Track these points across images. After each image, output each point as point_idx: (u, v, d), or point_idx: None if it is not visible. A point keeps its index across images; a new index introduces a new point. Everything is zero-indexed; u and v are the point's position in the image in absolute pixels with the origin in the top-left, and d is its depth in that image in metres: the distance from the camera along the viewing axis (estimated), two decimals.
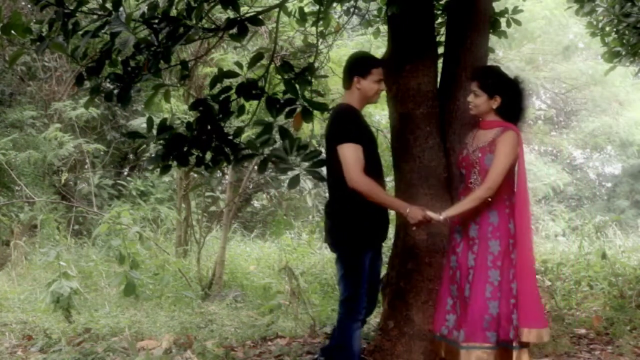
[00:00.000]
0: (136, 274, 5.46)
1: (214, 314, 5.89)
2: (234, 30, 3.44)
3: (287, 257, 7.60)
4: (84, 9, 3.34)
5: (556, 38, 15.50)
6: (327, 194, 3.56)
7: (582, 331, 4.83)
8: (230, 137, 3.66)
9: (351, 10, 5.26)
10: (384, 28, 5.57)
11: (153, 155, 3.73)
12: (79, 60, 3.32)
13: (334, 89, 7.20)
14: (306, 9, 5.03)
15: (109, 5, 3.27)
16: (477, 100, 3.29)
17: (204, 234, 7.70)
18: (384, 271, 3.79)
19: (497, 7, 4.52)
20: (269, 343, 4.80)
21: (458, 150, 3.50)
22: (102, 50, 3.38)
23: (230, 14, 3.64)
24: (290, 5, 5.33)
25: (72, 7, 3.27)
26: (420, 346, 3.58)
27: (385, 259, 3.71)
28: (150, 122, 3.56)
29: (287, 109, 3.65)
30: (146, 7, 3.38)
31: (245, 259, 8.48)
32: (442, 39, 4.02)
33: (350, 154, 3.21)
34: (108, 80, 3.48)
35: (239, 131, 3.73)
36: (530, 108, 14.86)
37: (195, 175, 7.35)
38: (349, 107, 3.37)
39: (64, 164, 10.19)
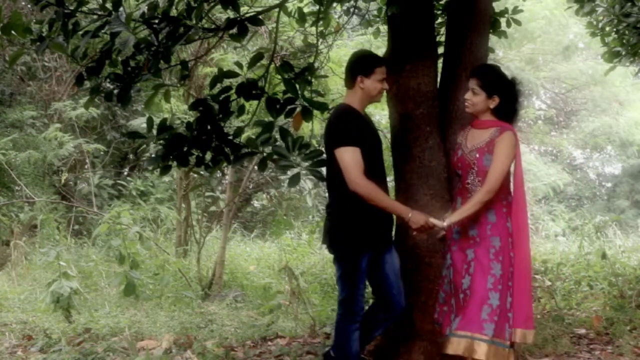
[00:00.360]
0: (136, 274, 5.46)
1: (214, 314, 5.90)
2: (234, 30, 3.44)
3: (287, 257, 7.61)
4: (84, 9, 3.34)
5: (556, 38, 15.50)
6: (327, 194, 3.55)
7: (582, 331, 4.83)
8: (230, 137, 3.66)
9: (351, 10, 5.26)
10: (384, 28, 5.57)
11: (153, 155, 3.73)
12: (79, 60, 3.32)
13: (334, 89, 7.21)
14: (306, 9, 5.03)
15: (109, 5, 3.27)
16: (475, 99, 3.24)
17: (204, 234, 7.70)
18: None
19: (497, 7, 4.52)
20: (269, 343, 4.80)
21: (452, 151, 3.47)
22: (102, 50, 3.38)
23: (230, 14, 3.64)
24: (290, 5, 5.33)
25: (72, 7, 3.27)
26: (420, 346, 3.58)
27: None
28: (150, 122, 3.56)
29: (287, 109, 3.65)
30: (146, 7, 3.39)
31: (245, 259, 8.48)
32: (442, 39, 4.02)
33: (349, 157, 3.19)
34: (108, 80, 3.48)
35: (239, 131, 3.73)
36: (526, 108, 14.94)
37: (195, 175, 7.35)
38: (347, 108, 3.34)
39: (64, 164, 10.19)
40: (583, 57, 17.14)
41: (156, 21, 3.31)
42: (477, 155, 3.22)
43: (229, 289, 6.94)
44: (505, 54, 14.98)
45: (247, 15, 3.49)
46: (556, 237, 11.93)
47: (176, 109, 7.76)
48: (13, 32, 3.22)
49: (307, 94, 3.73)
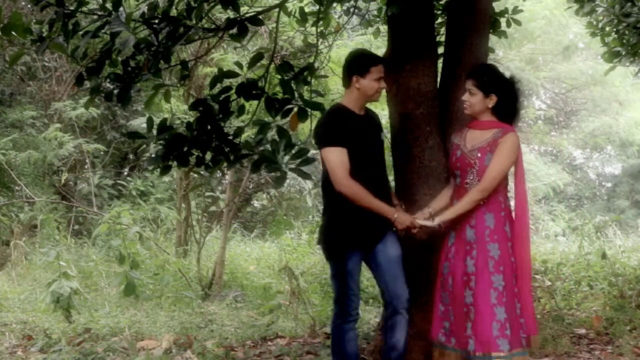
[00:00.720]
0: (136, 274, 5.46)
1: (214, 314, 5.90)
2: (234, 30, 3.43)
3: (287, 257, 7.60)
4: (84, 9, 3.34)
5: (556, 38, 15.50)
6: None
7: (582, 331, 4.83)
8: (230, 137, 3.66)
9: (351, 10, 5.26)
10: (384, 28, 5.57)
11: (153, 155, 3.72)
12: (79, 60, 3.31)
13: (334, 89, 7.21)
14: (306, 9, 5.03)
15: (109, 5, 3.27)
16: (473, 99, 3.22)
17: (204, 234, 7.70)
18: None
19: (497, 7, 4.51)
20: (269, 343, 4.80)
21: (450, 152, 3.40)
22: (102, 50, 3.38)
23: (230, 14, 3.63)
24: (290, 5, 5.33)
25: (72, 8, 3.27)
26: (420, 346, 3.58)
27: None
28: (150, 122, 3.56)
29: (284, 109, 3.65)
30: (146, 7, 3.38)
31: (245, 259, 8.48)
32: (442, 39, 4.02)
33: (333, 158, 3.19)
34: (108, 80, 3.48)
35: (239, 131, 3.72)
36: (526, 108, 14.94)
37: (195, 175, 7.34)
38: (336, 109, 3.35)
39: (64, 164, 10.19)
40: (583, 57, 17.14)
41: (156, 21, 3.31)
42: (479, 155, 3.18)
43: (229, 289, 6.94)
44: (505, 54, 14.98)
45: (247, 15, 3.49)
46: (556, 237, 11.93)
47: (176, 109, 7.76)
48: (13, 32, 3.21)
49: (306, 94, 3.73)
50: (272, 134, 3.89)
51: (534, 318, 3.22)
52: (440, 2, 4.50)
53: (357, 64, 3.31)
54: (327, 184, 3.29)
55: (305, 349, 4.49)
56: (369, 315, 5.45)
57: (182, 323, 5.45)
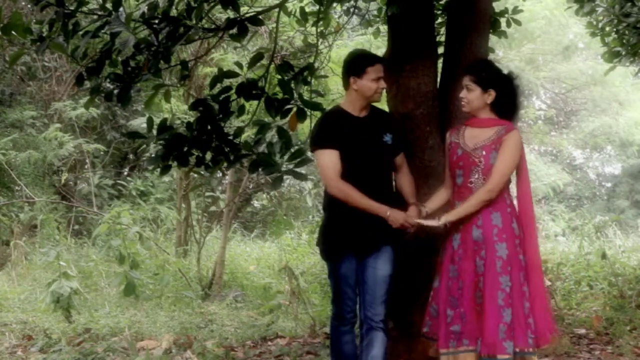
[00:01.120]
0: (136, 274, 5.47)
1: (214, 314, 5.90)
2: (234, 30, 3.43)
3: (287, 257, 7.61)
4: (84, 9, 3.34)
5: (556, 38, 15.49)
6: None
7: (582, 331, 4.83)
8: (230, 137, 3.66)
9: (351, 10, 5.26)
10: (384, 28, 5.57)
11: (153, 155, 3.73)
12: (79, 60, 3.31)
13: (334, 89, 7.21)
14: (306, 9, 5.03)
15: (109, 5, 3.27)
16: (471, 95, 3.12)
17: (204, 234, 7.71)
18: None
19: (497, 7, 4.51)
20: (269, 343, 4.81)
21: (449, 151, 3.27)
22: (102, 50, 3.38)
23: (230, 14, 3.63)
24: (290, 5, 5.34)
25: (72, 8, 3.27)
26: (421, 346, 3.58)
27: None
28: (150, 122, 3.56)
29: (283, 109, 3.64)
30: (146, 7, 3.38)
31: (245, 259, 8.48)
32: (442, 39, 4.02)
33: (324, 160, 3.18)
34: (108, 80, 3.48)
35: (239, 131, 3.72)
36: (526, 108, 14.94)
37: (195, 175, 7.35)
38: (332, 111, 3.34)
39: (64, 164, 10.19)
40: (583, 57, 17.14)
41: (156, 21, 3.31)
42: (484, 153, 3.09)
43: (229, 289, 6.94)
44: (505, 54, 14.97)
45: (247, 15, 3.49)
46: (556, 237, 11.92)
47: (176, 109, 7.76)
48: (13, 32, 3.21)
49: (305, 94, 3.73)
50: (271, 134, 3.90)
51: (549, 318, 3.13)
52: (440, 2, 4.50)
53: (354, 64, 3.26)
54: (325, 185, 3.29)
55: (305, 349, 4.49)
56: None
57: (182, 323, 5.45)
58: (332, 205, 3.26)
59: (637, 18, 5.64)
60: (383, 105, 3.65)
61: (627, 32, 5.89)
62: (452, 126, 3.47)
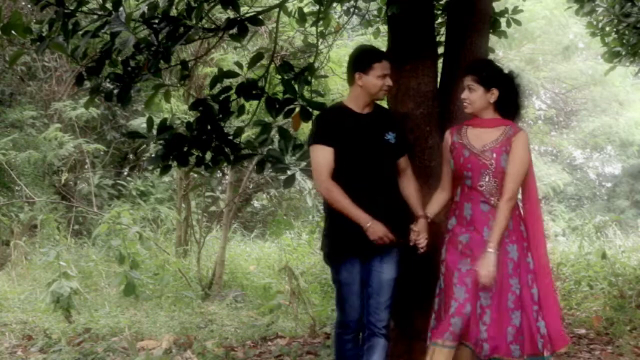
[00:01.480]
0: (136, 274, 5.47)
1: (214, 314, 5.90)
2: (234, 30, 3.44)
3: (287, 257, 7.61)
4: (84, 9, 3.35)
5: (556, 38, 15.51)
6: None
7: (582, 331, 4.83)
8: (230, 137, 3.66)
9: (351, 10, 5.26)
10: (384, 28, 5.58)
11: (153, 155, 3.73)
12: (79, 60, 3.31)
13: (334, 89, 7.21)
14: (306, 9, 5.04)
15: (109, 5, 3.27)
16: (473, 95, 3.04)
17: (204, 234, 7.71)
18: None
19: (497, 7, 4.51)
20: (269, 343, 4.81)
21: (454, 152, 3.14)
22: (102, 50, 3.39)
23: (230, 14, 3.64)
24: (290, 5, 5.34)
25: (72, 7, 3.27)
26: (421, 346, 3.58)
27: None
28: (150, 122, 3.56)
29: (285, 109, 3.65)
30: (146, 7, 3.38)
31: (245, 259, 8.48)
32: (442, 39, 4.02)
33: (317, 157, 3.10)
34: (108, 80, 3.48)
35: (239, 131, 3.73)
36: (526, 108, 14.91)
37: (195, 175, 7.35)
38: (332, 107, 3.29)
39: (64, 164, 10.19)
40: (583, 57, 17.15)
41: (156, 21, 3.31)
42: (494, 156, 3.00)
43: (229, 289, 6.95)
44: (505, 54, 14.98)
45: (247, 15, 3.49)
46: (556, 237, 11.91)
47: (176, 109, 7.76)
48: (13, 32, 3.22)
49: (306, 94, 3.73)
50: (272, 134, 3.90)
51: (559, 322, 3.07)
52: (440, 2, 4.50)
53: (360, 59, 3.15)
54: None
55: (305, 349, 4.49)
56: None
57: (182, 323, 5.45)
58: (329, 206, 3.18)
59: (637, 18, 5.64)
60: (383, 104, 3.64)
61: (627, 32, 5.89)
62: (453, 126, 3.39)
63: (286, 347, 4.54)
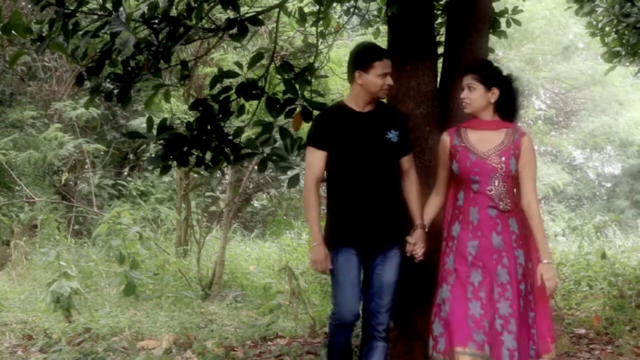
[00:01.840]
0: (136, 274, 5.47)
1: (214, 314, 5.90)
2: (234, 30, 3.44)
3: (287, 257, 7.61)
4: (84, 9, 3.35)
5: (556, 38, 15.51)
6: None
7: (582, 331, 4.83)
8: (230, 137, 3.66)
9: (351, 10, 5.26)
10: (384, 28, 5.58)
11: (153, 155, 3.73)
12: (79, 60, 3.32)
13: (334, 89, 7.21)
14: (306, 9, 5.04)
15: (109, 5, 3.27)
16: (473, 95, 2.98)
17: (204, 234, 7.71)
18: None
19: (497, 7, 4.52)
20: (269, 343, 4.81)
21: (458, 156, 3.04)
22: (102, 50, 3.39)
23: (230, 14, 3.64)
24: (290, 5, 5.34)
25: (72, 7, 3.28)
26: (420, 346, 3.58)
27: None
28: (150, 122, 3.56)
29: (286, 109, 3.65)
30: (146, 7, 3.39)
31: (245, 259, 8.49)
32: (442, 39, 4.02)
33: (308, 159, 3.11)
34: (108, 80, 3.49)
35: (239, 131, 3.73)
36: (526, 108, 14.93)
37: (195, 175, 7.35)
38: (332, 107, 3.28)
39: (64, 164, 10.19)
40: (583, 57, 17.16)
41: (156, 21, 3.32)
42: (503, 159, 2.94)
43: (229, 289, 6.95)
44: (505, 54, 14.98)
45: (247, 15, 3.50)
46: (556, 237, 11.92)
47: (176, 109, 7.76)
48: (13, 32, 3.22)
49: (307, 94, 3.73)
50: (273, 134, 3.89)
51: (550, 330, 3.03)
52: (440, 2, 4.50)
53: (360, 57, 3.09)
54: (328, 180, 3.22)
55: (305, 349, 4.49)
56: None
57: (182, 323, 5.45)
58: (329, 198, 3.18)
59: (637, 18, 5.64)
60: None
61: (627, 32, 5.90)
62: (451, 127, 3.33)
63: (286, 347, 4.54)
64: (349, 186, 3.09)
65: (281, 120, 3.92)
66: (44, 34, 3.30)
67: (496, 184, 2.95)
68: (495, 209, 2.97)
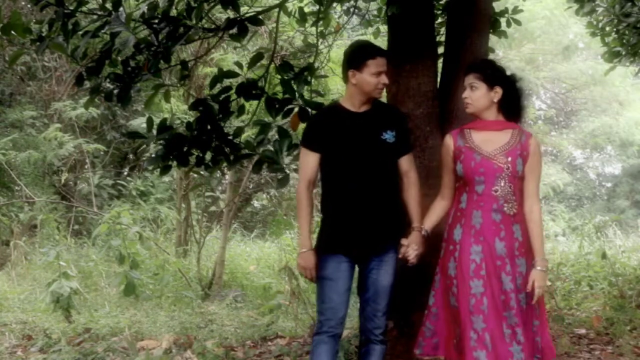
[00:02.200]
0: (136, 274, 5.47)
1: (214, 314, 5.90)
2: (234, 30, 3.44)
3: (287, 257, 7.60)
4: (84, 9, 3.35)
5: (556, 38, 15.52)
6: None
7: (582, 331, 4.83)
8: (230, 137, 3.66)
9: (351, 10, 5.27)
10: (384, 28, 5.58)
11: (153, 155, 3.73)
12: (79, 60, 3.31)
13: (334, 89, 7.21)
14: (306, 9, 5.04)
15: (109, 5, 3.28)
16: (476, 94, 2.89)
17: (204, 234, 7.71)
18: None
19: (497, 7, 4.51)
20: (269, 343, 4.81)
21: (463, 156, 2.94)
22: (102, 50, 3.39)
23: (230, 14, 3.64)
24: (290, 5, 5.34)
25: (72, 7, 3.28)
26: None
27: None
28: (150, 122, 3.56)
29: (284, 109, 3.65)
30: (146, 7, 3.39)
31: (245, 259, 8.49)
32: (442, 39, 4.02)
33: (301, 161, 3.05)
34: (108, 80, 3.49)
35: (239, 131, 3.73)
36: (529, 107, 14.91)
37: (195, 175, 7.35)
38: (327, 108, 3.26)
39: (64, 164, 10.19)
40: (583, 57, 17.17)
41: (156, 21, 3.32)
42: (510, 159, 2.86)
43: (229, 289, 6.94)
44: (505, 54, 14.98)
45: (247, 15, 3.49)
46: (556, 237, 11.93)
47: (176, 109, 7.77)
48: (13, 32, 3.22)
49: (306, 94, 3.73)
50: (272, 134, 3.90)
51: (549, 338, 2.99)
52: (440, 2, 4.50)
53: (353, 56, 2.99)
54: (322, 182, 3.19)
55: (305, 349, 4.49)
56: None
57: (182, 323, 5.45)
58: (326, 203, 3.12)
59: (637, 18, 5.64)
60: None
61: (627, 32, 5.90)
62: (452, 126, 3.35)
63: (286, 347, 4.54)
64: (342, 188, 3.02)
65: (281, 120, 3.91)
66: (43, 34, 3.30)
67: (502, 184, 2.86)
68: (500, 213, 2.87)
